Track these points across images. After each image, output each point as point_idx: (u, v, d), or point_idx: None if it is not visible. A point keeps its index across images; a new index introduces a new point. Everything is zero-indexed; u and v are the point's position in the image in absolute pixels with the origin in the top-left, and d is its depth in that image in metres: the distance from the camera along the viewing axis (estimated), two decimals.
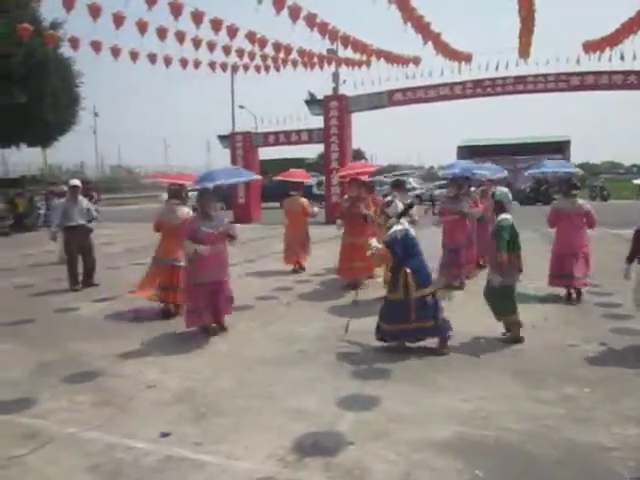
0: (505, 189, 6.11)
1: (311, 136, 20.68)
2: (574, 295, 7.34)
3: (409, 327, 5.22)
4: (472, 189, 9.35)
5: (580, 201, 7.37)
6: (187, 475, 3.28)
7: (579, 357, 5.17)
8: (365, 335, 5.75)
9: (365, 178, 8.98)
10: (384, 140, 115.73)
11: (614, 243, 13.35)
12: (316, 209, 7.84)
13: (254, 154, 21.92)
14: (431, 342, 5.44)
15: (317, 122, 20.25)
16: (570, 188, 7.39)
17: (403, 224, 5.38)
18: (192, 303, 6.00)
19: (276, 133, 21.30)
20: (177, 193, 7.19)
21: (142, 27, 10.40)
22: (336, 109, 19.58)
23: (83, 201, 9.17)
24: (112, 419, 4.08)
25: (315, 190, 26.82)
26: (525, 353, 5.31)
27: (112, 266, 9.79)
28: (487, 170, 9.95)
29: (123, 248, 13.56)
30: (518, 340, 5.56)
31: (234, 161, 21.65)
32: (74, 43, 11.26)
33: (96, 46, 11.41)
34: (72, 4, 9.32)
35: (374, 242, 5.70)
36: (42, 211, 20.45)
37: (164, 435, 3.80)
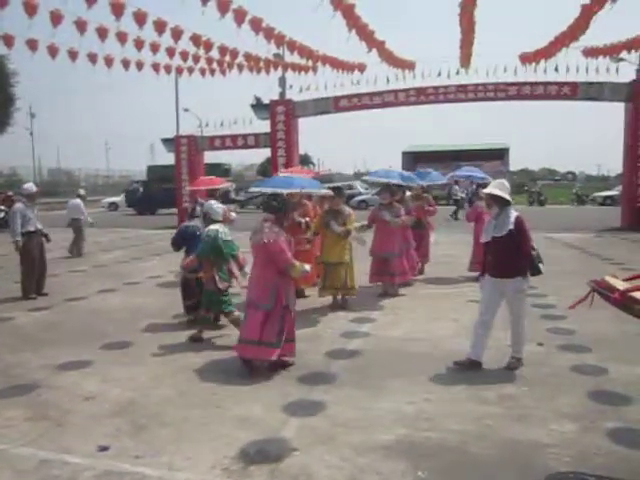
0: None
1: (258, 140, 20.57)
2: None
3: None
4: (408, 194, 9.18)
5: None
6: None
7: None
8: (311, 341, 5.76)
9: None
10: (331, 146, 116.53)
11: (549, 247, 13.94)
12: (234, 214, 7.14)
13: (199, 158, 21.58)
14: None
15: (264, 126, 20.18)
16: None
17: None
18: None
19: (222, 137, 21.06)
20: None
21: (81, 26, 10.09)
22: (283, 114, 19.58)
23: (36, 206, 8.91)
24: (47, 434, 3.90)
25: (233, 195, 28.11)
26: (464, 354, 5.44)
27: (49, 273, 9.37)
28: (398, 178, 9.41)
29: (61, 254, 13.02)
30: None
31: (178, 165, 21.24)
32: (8, 41, 10.79)
33: (32, 44, 10.99)
34: (6, 0, 8.93)
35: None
36: None
37: (103, 449, 3.66)
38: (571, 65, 16.24)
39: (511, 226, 4.88)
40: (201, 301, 6.27)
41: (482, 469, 3.36)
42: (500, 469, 3.35)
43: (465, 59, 16.20)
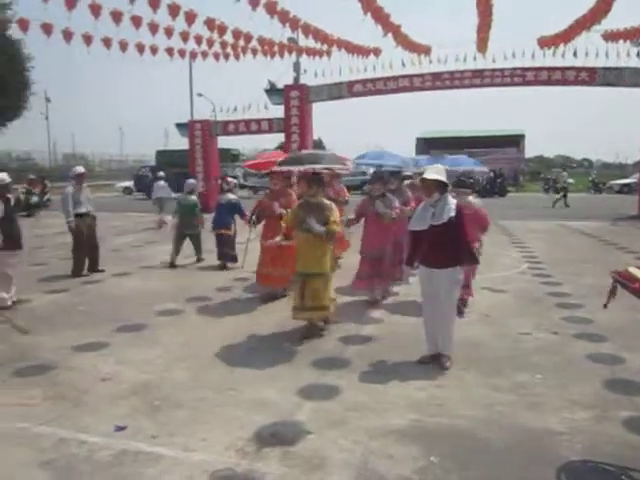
0: None
1: (271, 125, 20.52)
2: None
3: None
4: (406, 183, 8.36)
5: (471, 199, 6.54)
6: (142, 469, 3.23)
7: (531, 345, 5.35)
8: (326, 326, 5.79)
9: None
10: (344, 131, 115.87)
11: (565, 235, 13.85)
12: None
13: (213, 143, 21.60)
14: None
15: (277, 111, 20.11)
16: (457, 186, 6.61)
17: None
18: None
19: (236, 122, 21.03)
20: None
21: (95, 10, 10.08)
22: (297, 99, 19.49)
23: (87, 188, 9.12)
24: (65, 413, 3.97)
25: (241, 181, 28.25)
26: (479, 342, 5.45)
27: (66, 257, 9.50)
28: (395, 160, 8.98)
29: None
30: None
31: (192, 150, 21.29)
32: (23, 25, 10.81)
33: (47, 29, 10.99)
34: None
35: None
36: None
37: (119, 429, 3.73)
38: (590, 50, 15.93)
39: (453, 213, 4.61)
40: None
41: (493, 455, 3.37)
42: (511, 455, 3.36)
43: (482, 43, 15.95)
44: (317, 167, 6.06)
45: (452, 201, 4.73)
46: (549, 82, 17.74)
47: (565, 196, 21.51)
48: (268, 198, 7.31)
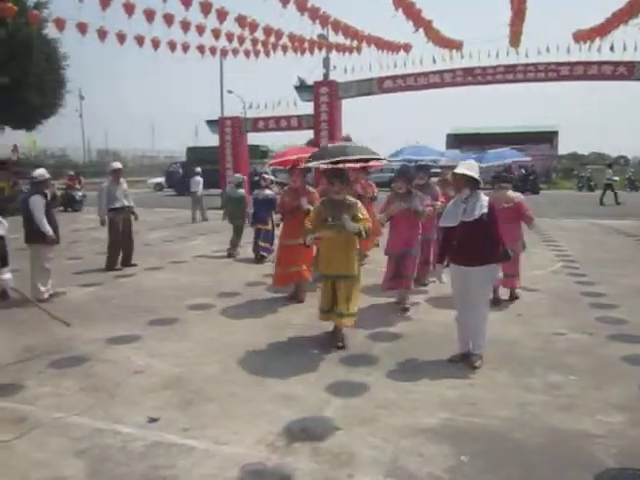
0: None
1: (301, 122, 20.52)
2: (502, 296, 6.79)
3: None
4: (433, 180, 8.07)
5: (511, 193, 6.71)
6: (175, 460, 3.28)
7: (565, 345, 5.24)
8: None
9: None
10: (374, 127, 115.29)
11: (599, 234, 13.52)
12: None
13: (243, 139, 21.74)
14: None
15: (306, 108, 20.11)
16: (496, 181, 6.90)
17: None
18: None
19: (266, 119, 21.10)
20: None
21: (129, 9, 10.23)
22: (326, 95, 19.43)
23: (124, 183, 9.35)
24: (99, 404, 4.06)
25: (271, 177, 28.19)
26: (511, 341, 5.36)
27: (100, 251, 9.71)
28: (435, 155, 8.73)
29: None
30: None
31: (222, 146, 21.47)
32: (59, 24, 11.05)
33: (82, 28, 11.21)
34: None
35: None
36: None
37: (152, 420, 3.80)
38: (629, 43, 15.46)
39: (485, 209, 4.52)
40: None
41: (526, 456, 3.32)
42: (544, 457, 3.30)
43: (515, 38, 15.63)
44: (349, 159, 5.61)
45: (484, 198, 4.63)
46: (585, 77, 17.26)
47: (615, 194, 20.91)
48: (288, 196, 6.96)
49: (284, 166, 7.65)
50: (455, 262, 4.77)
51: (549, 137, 39.74)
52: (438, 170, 9.41)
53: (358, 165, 6.55)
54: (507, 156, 9.37)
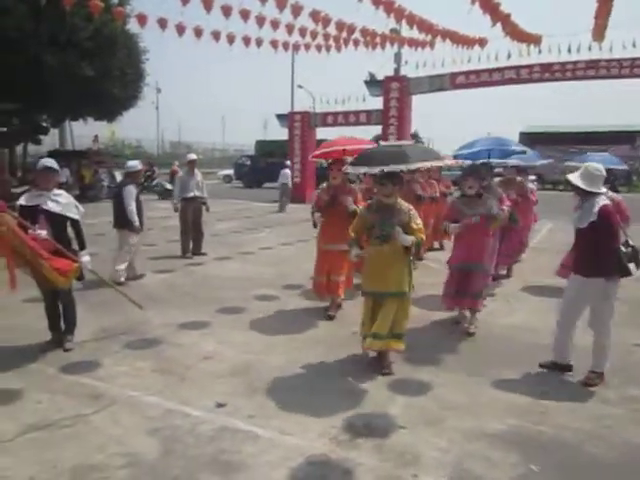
0: None
1: (369, 117, 20.46)
2: None
3: None
4: (495, 180, 7.29)
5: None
6: (241, 446, 3.36)
7: None
8: (417, 322, 5.71)
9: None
10: (442, 124, 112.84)
11: None
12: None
13: (312, 134, 21.90)
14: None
15: (375, 103, 19.98)
16: None
17: None
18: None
19: (335, 114, 21.19)
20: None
21: (207, 4, 10.51)
22: (397, 90, 19.25)
23: (198, 174, 9.67)
24: (171, 386, 4.22)
25: None
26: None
27: (172, 239, 10.08)
28: (517, 147, 7.56)
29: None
30: None
31: (291, 141, 21.72)
32: (141, 20, 11.50)
33: (162, 23, 11.61)
34: None
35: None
36: (105, 183, 21.22)
37: (220, 405, 3.91)
38: None
39: (593, 217, 4.17)
40: None
41: (600, 471, 3.17)
42: (620, 473, 3.15)
43: (599, 31, 14.80)
44: (402, 168, 4.47)
45: (598, 204, 4.21)
46: None
47: None
48: (325, 194, 6.05)
49: (326, 159, 6.62)
50: (574, 271, 4.51)
51: (631, 137, 37.56)
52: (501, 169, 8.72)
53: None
54: (607, 162, 8.52)
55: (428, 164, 4.88)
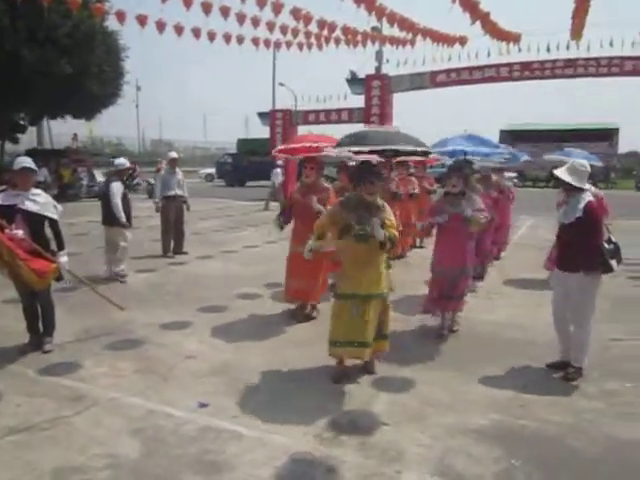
0: None
1: (351, 115, 20.45)
2: None
3: None
4: (476, 176, 6.94)
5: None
6: (225, 446, 3.35)
7: (622, 352, 5.06)
8: (401, 321, 5.74)
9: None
10: (423, 122, 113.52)
11: None
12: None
13: (293, 132, 21.85)
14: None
15: (357, 101, 20.00)
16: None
17: None
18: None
19: (316, 111, 21.15)
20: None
21: (187, 1, 10.42)
22: (378, 88, 19.26)
23: (179, 173, 9.62)
24: (153, 387, 4.19)
25: None
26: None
27: (156, 238, 9.97)
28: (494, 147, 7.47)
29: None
30: None
31: (273, 139, 21.64)
32: (120, 16, 11.35)
33: (142, 20, 11.47)
34: None
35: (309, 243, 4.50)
36: (85, 182, 20.96)
37: (202, 405, 3.89)
38: None
39: (579, 213, 4.22)
40: None
41: (581, 464, 3.22)
42: (601, 466, 3.20)
43: (577, 30, 15.01)
44: (397, 148, 4.82)
45: (584, 200, 4.26)
46: None
47: None
48: (299, 193, 5.93)
49: (292, 154, 6.45)
50: (557, 265, 4.58)
51: (609, 134, 38.20)
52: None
53: (412, 159, 5.76)
54: (584, 158, 8.37)
55: (420, 149, 5.10)
